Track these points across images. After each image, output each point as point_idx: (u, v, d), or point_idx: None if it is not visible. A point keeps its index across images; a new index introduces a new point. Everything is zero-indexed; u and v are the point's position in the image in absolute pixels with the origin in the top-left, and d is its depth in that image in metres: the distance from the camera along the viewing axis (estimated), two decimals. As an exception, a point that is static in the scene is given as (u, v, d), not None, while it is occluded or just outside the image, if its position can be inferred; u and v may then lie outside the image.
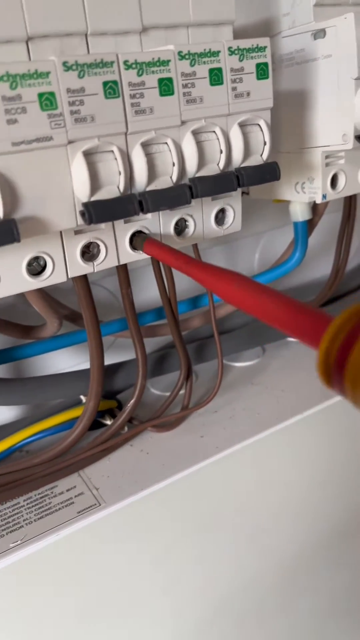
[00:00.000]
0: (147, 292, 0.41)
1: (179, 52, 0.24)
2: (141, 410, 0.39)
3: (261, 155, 0.28)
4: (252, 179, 0.28)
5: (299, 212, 0.36)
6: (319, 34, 0.31)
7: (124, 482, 0.33)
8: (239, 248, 0.48)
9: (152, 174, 0.25)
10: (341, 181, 0.34)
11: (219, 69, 0.26)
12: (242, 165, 0.28)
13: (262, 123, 0.28)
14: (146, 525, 0.34)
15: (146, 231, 0.28)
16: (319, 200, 0.34)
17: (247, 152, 0.28)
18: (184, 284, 0.42)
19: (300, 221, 0.37)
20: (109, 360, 0.41)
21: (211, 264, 0.22)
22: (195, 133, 0.26)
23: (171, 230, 0.29)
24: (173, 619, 0.37)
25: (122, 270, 0.31)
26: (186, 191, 0.26)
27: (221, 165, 0.27)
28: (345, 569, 0.47)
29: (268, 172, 0.28)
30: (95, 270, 0.28)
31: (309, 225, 0.38)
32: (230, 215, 0.32)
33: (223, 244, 0.47)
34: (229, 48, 0.26)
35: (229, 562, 0.39)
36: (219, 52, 0.25)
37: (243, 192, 0.40)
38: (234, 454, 0.35)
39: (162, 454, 0.35)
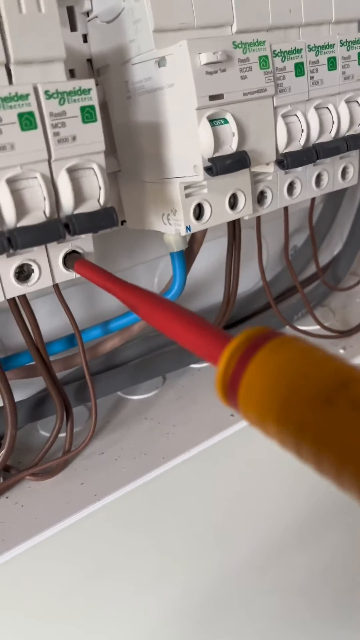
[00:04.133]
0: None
1: (-24, 99, 0.23)
2: (27, 457, 0.37)
3: (98, 200, 0.27)
4: (84, 227, 0.26)
5: (173, 243, 0.35)
6: (162, 61, 0.29)
7: (-8, 540, 0.31)
8: (139, 273, 0.46)
9: None
10: (206, 211, 0.33)
11: (30, 113, 0.24)
12: (75, 212, 0.26)
13: (95, 167, 0.26)
14: (22, 584, 0.32)
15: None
16: (183, 233, 0.32)
17: (79, 198, 0.26)
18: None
19: (176, 252, 0.35)
20: None
21: (133, 285, 0.22)
22: (10, 181, 0.24)
23: (11, 276, 0.28)
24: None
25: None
26: (2, 242, 0.24)
27: (47, 212, 0.25)
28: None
29: (103, 219, 0.26)
30: None
31: (190, 254, 0.37)
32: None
33: (122, 270, 0.45)
34: (46, 92, 0.24)
35: (128, 608, 0.37)
36: (27, 95, 0.24)
37: (122, 221, 0.39)
38: (115, 501, 0.34)
39: (38, 505, 0.33)
